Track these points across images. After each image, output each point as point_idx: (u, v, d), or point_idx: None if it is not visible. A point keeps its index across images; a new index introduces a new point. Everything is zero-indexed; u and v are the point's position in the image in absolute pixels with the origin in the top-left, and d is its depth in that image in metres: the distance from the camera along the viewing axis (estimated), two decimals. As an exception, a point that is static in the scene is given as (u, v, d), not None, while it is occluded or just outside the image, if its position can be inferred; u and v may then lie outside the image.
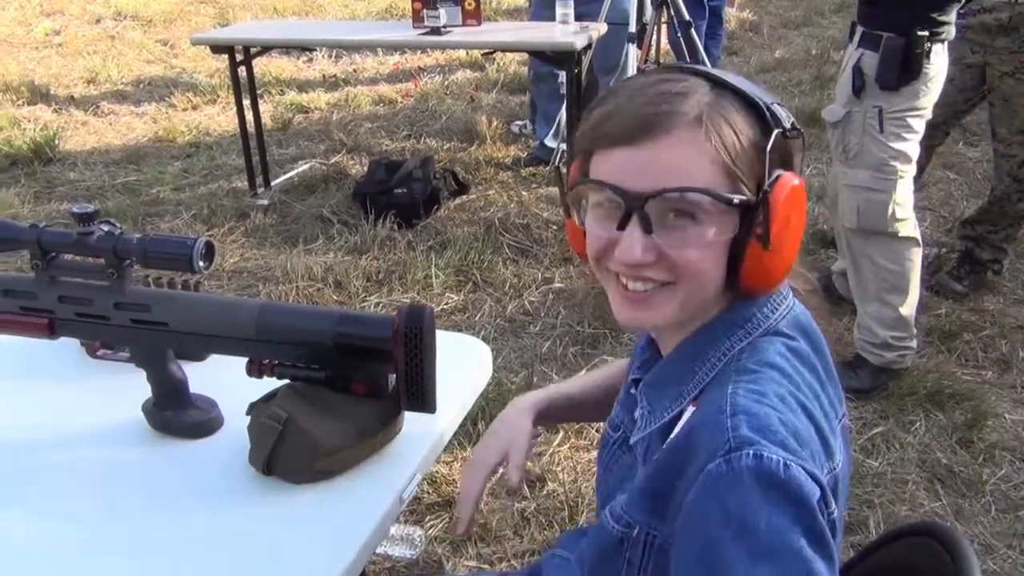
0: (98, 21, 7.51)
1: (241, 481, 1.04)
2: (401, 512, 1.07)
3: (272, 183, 4.08)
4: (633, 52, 3.96)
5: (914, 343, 2.46)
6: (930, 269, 2.98)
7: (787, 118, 0.81)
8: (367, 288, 3.09)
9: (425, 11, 3.54)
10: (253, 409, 1.05)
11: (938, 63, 2.20)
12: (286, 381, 1.06)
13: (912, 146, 2.26)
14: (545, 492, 2.11)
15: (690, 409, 0.81)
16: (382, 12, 7.68)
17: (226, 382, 1.13)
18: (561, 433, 2.31)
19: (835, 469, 0.78)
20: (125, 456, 1.09)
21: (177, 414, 1.12)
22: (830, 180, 2.62)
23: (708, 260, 0.79)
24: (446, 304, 3.00)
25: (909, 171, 2.28)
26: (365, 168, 4.02)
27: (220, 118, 5.18)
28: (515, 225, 3.48)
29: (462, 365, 1.27)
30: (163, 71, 6.18)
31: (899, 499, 2.10)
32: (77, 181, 4.27)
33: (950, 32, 2.19)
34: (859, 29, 2.24)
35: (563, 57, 3.34)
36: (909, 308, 2.40)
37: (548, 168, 4.08)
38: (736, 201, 0.77)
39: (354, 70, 6.06)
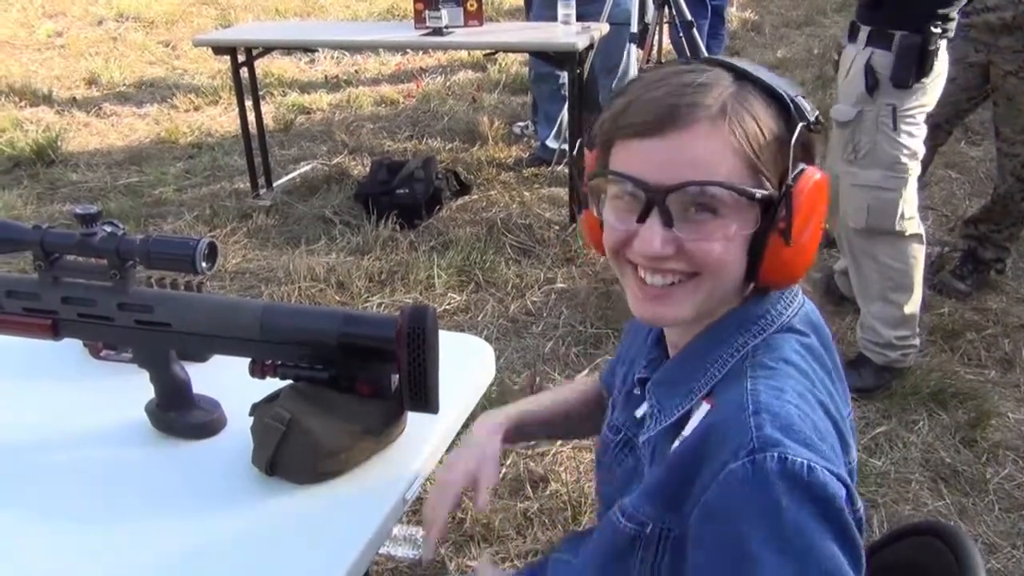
0: (100, 23, 7.52)
1: (244, 482, 1.03)
2: (404, 513, 1.07)
3: (274, 184, 4.08)
4: (635, 52, 3.97)
5: (917, 341, 2.46)
6: (933, 268, 2.98)
7: (811, 111, 0.79)
8: (369, 289, 3.09)
9: (427, 12, 3.54)
10: (256, 410, 1.05)
11: (943, 60, 2.21)
12: (289, 382, 1.06)
13: (920, 143, 2.27)
14: (548, 492, 2.11)
15: (703, 406, 0.81)
16: (384, 13, 7.68)
17: (229, 383, 1.12)
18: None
19: (851, 463, 0.78)
20: (128, 457, 1.10)
21: (180, 415, 1.12)
22: (830, 180, 2.61)
23: (729, 254, 0.78)
24: (449, 304, 3.00)
25: (916, 169, 2.29)
26: (367, 169, 4.02)
27: (222, 119, 5.18)
28: (517, 225, 3.48)
29: (465, 365, 1.27)
30: (165, 72, 6.18)
31: (903, 498, 2.10)
32: (79, 182, 4.28)
33: (953, 29, 2.19)
34: (863, 28, 2.23)
35: (565, 57, 3.33)
36: (913, 306, 2.40)
37: (550, 169, 4.09)
38: (759, 196, 0.76)
39: (356, 71, 6.06)
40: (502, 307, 2.98)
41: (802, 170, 0.78)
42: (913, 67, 2.14)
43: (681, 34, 3.76)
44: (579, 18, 3.57)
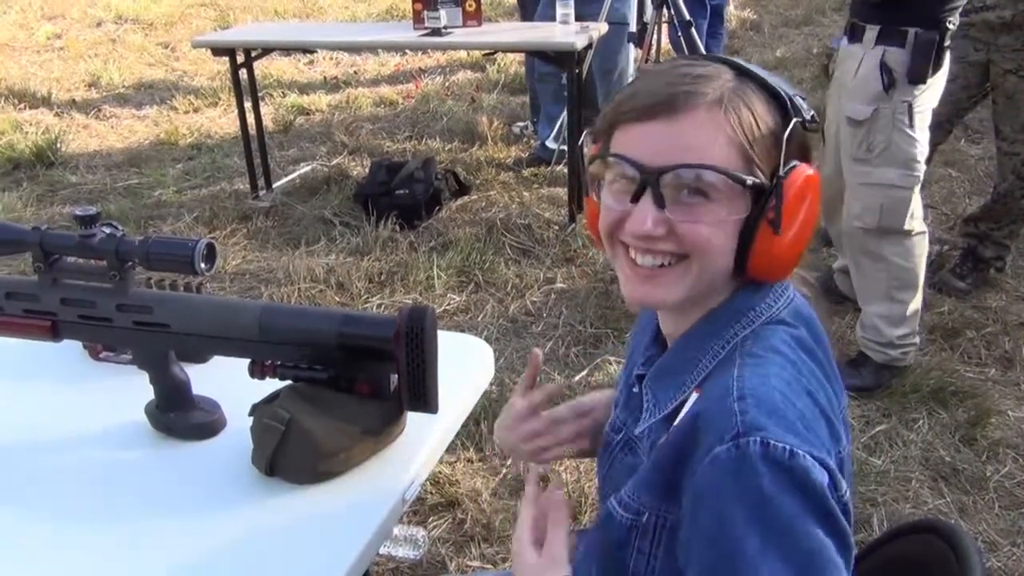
0: (99, 25, 7.52)
1: (244, 482, 1.04)
2: (404, 513, 1.07)
3: (274, 185, 4.08)
4: (633, 52, 3.96)
5: (917, 339, 2.46)
6: (933, 267, 2.98)
7: (807, 110, 0.82)
8: (369, 289, 3.09)
9: (426, 12, 3.54)
10: (255, 410, 1.05)
11: (947, 57, 2.22)
12: (288, 382, 1.06)
13: (928, 141, 2.29)
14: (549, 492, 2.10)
15: (694, 396, 0.82)
16: (383, 14, 7.69)
17: (228, 383, 1.13)
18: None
19: (842, 452, 0.79)
20: (128, 458, 1.10)
21: (180, 416, 1.12)
22: (830, 181, 2.60)
23: (718, 238, 0.80)
24: (448, 305, 3.00)
25: (924, 166, 2.30)
26: (366, 169, 4.02)
27: (221, 120, 5.19)
28: (517, 226, 3.48)
29: (464, 365, 1.27)
30: (164, 74, 6.18)
31: (903, 497, 2.10)
32: (79, 184, 4.28)
33: (956, 24, 2.21)
34: (870, 28, 2.23)
35: (564, 57, 3.34)
36: (917, 303, 2.41)
37: (549, 169, 4.09)
38: (749, 183, 0.78)
39: (355, 72, 6.07)
40: (502, 307, 2.98)
41: (795, 165, 0.81)
42: (930, 63, 2.16)
43: (680, 34, 3.76)
44: (578, 18, 3.57)
